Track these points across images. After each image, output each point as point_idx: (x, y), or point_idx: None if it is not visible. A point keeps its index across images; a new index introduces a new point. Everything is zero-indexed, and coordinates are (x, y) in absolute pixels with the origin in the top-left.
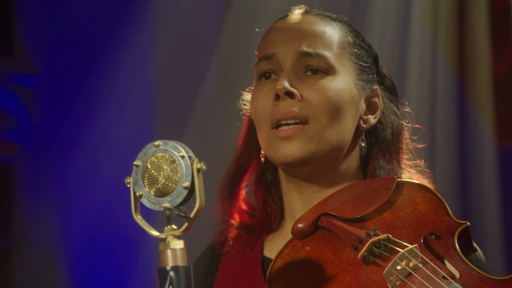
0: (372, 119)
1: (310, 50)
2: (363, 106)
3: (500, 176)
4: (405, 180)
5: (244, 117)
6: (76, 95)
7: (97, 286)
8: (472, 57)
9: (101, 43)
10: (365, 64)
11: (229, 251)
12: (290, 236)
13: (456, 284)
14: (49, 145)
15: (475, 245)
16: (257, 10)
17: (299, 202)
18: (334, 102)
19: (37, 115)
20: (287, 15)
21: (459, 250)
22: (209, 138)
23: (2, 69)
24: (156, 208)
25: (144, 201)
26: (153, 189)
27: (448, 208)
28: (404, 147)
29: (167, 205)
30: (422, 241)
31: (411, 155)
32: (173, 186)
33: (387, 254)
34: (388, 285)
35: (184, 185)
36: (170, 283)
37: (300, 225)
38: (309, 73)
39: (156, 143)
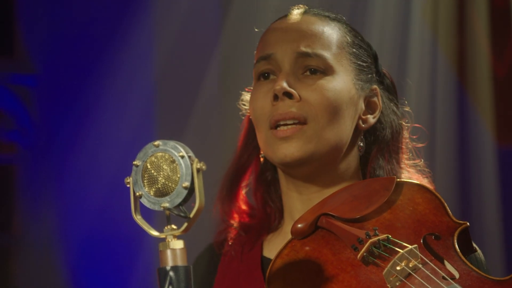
0: (371, 119)
1: (308, 50)
2: (362, 106)
3: (500, 176)
4: (405, 180)
5: (243, 117)
6: (76, 95)
7: (97, 286)
8: (472, 57)
9: (101, 43)
10: (364, 64)
11: (229, 251)
12: (289, 236)
13: (456, 285)
14: (49, 145)
15: (474, 245)
16: (257, 10)
17: (298, 202)
18: (333, 102)
19: (37, 115)
20: (285, 15)
21: (458, 250)
22: (209, 138)
23: (2, 69)
24: (156, 208)
25: (144, 201)
26: (153, 189)
27: (447, 208)
28: (403, 146)
29: (166, 205)
30: (421, 241)
31: (410, 154)
32: (173, 186)
33: (387, 255)
34: (388, 285)
35: (183, 185)
36: (170, 283)
37: (299, 226)
38: (308, 73)
39: (156, 143)
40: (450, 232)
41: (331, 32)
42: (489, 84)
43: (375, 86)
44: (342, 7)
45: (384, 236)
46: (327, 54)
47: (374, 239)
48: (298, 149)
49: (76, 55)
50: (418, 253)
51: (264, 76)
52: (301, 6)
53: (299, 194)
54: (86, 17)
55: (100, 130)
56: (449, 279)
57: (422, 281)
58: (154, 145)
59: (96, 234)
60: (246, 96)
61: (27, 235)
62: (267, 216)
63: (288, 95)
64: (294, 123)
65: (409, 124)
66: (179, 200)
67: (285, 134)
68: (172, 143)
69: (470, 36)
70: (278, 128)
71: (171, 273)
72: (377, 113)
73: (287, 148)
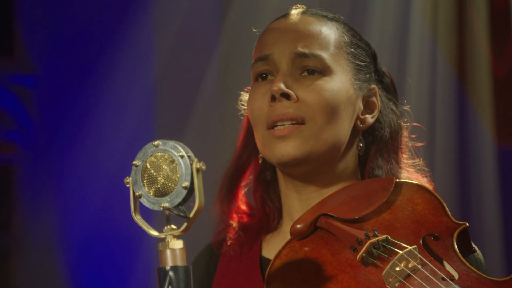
0: (370, 119)
1: (306, 50)
2: (360, 105)
3: (500, 176)
4: (404, 180)
5: (243, 118)
6: (75, 95)
7: (97, 286)
8: (472, 57)
9: (101, 43)
10: (362, 64)
11: (228, 251)
12: (288, 236)
13: (455, 286)
14: (49, 145)
15: (474, 246)
16: (256, 10)
17: (297, 202)
18: (331, 103)
19: (36, 115)
20: (283, 15)
21: (458, 251)
22: (209, 138)
23: (2, 69)
24: (156, 208)
25: (143, 201)
26: (153, 189)
27: (447, 208)
28: (402, 146)
29: (166, 205)
30: (421, 242)
31: (410, 154)
32: (173, 186)
33: (386, 256)
34: (387, 286)
35: (183, 185)
36: (170, 283)
37: (298, 226)
38: (305, 73)
39: (156, 142)
40: (450, 233)
41: (329, 32)
42: (489, 84)
43: (373, 86)
44: (342, 7)
45: (383, 237)
46: (324, 55)
47: (373, 240)
48: (295, 149)
49: (76, 55)
50: (417, 254)
51: (262, 76)
52: (299, 6)
53: (297, 193)
54: (86, 17)
55: (100, 130)
56: (448, 280)
57: (422, 282)
58: (154, 145)
59: (96, 234)
60: (245, 97)
61: (27, 235)
62: (266, 216)
63: (286, 96)
64: (292, 124)
65: (408, 124)
66: (178, 200)
67: (282, 133)
68: (171, 143)
69: (470, 36)
70: (275, 127)
71: (170, 273)
72: (376, 113)
73: (284, 148)
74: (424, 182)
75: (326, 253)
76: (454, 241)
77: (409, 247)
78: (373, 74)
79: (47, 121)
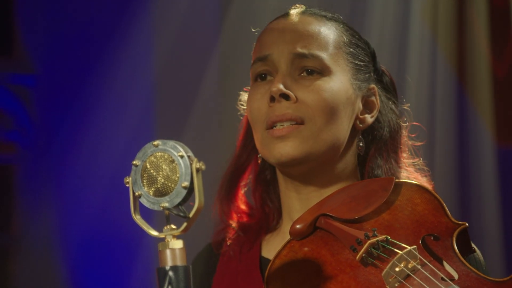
0: (369, 118)
1: (305, 51)
2: (359, 105)
3: (500, 176)
4: (403, 180)
5: (242, 118)
6: (75, 95)
7: (97, 286)
8: (472, 57)
9: (100, 43)
10: (362, 63)
11: (227, 251)
12: (288, 236)
13: (455, 286)
14: (48, 145)
15: (473, 246)
16: (256, 10)
17: (297, 201)
18: (330, 103)
19: (36, 115)
20: (282, 15)
21: (457, 251)
22: (208, 138)
23: (2, 69)
24: (155, 208)
25: (143, 200)
26: (152, 189)
27: (446, 208)
28: (402, 145)
29: (166, 204)
30: (420, 242)
31: (409, 153)
32: (172, 185)
33: (386, 256)
34: (387, 286)
35: (183, 184)
36: (169, 283)
37: (298, 226)
38: (305, 74)
39: (155, 142)
40: (449, 233)
41: (328, 32)
42: (489, 84)
43: (373, 85)
44: (341, 7)
45: (383, 237)
46: (323, 55)
47: (373, 240)
48: (294, 149)
49: (75, 55)
50: (417, 254)
51: (261, 77)
52: (298, 6)
53: (297, 193)
54: (85, 17)
55: (99, 130)
56: (448, 280)
57: (421, 282)
58: (154, 145)
59: (95, 234)
60: (244, 97)
61: (27, 235)
62: (265, 216)
63: (285, 96)
64: (291, 124)
65: (407, 123)
66: (178, 200)
67: (281, 133)
68: (171, 142)
69: (469, 36)
70: (274, 128)
71: (170, 273)
72: (375, 113)
73: (283, 148)
74: (424, 181)
75: (326, 253)
76: (454, 241)
77: (409, 248)
78: (372, 74)
79: (47, 121)
